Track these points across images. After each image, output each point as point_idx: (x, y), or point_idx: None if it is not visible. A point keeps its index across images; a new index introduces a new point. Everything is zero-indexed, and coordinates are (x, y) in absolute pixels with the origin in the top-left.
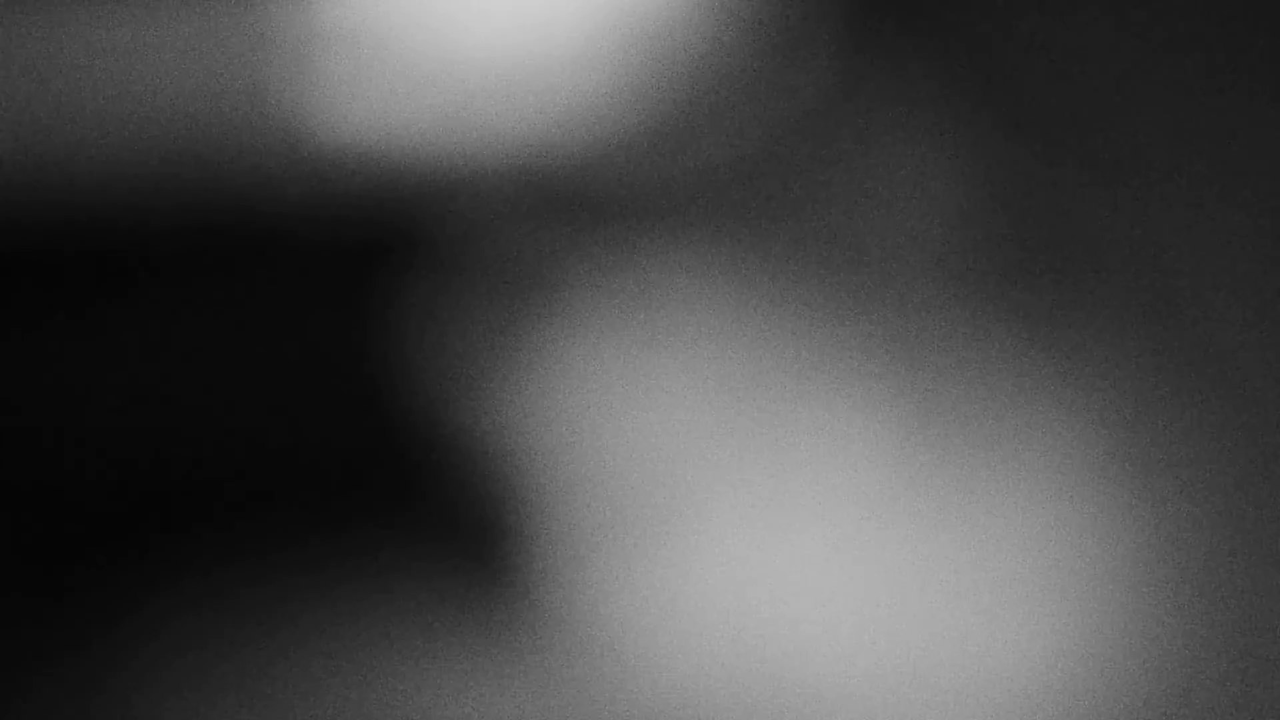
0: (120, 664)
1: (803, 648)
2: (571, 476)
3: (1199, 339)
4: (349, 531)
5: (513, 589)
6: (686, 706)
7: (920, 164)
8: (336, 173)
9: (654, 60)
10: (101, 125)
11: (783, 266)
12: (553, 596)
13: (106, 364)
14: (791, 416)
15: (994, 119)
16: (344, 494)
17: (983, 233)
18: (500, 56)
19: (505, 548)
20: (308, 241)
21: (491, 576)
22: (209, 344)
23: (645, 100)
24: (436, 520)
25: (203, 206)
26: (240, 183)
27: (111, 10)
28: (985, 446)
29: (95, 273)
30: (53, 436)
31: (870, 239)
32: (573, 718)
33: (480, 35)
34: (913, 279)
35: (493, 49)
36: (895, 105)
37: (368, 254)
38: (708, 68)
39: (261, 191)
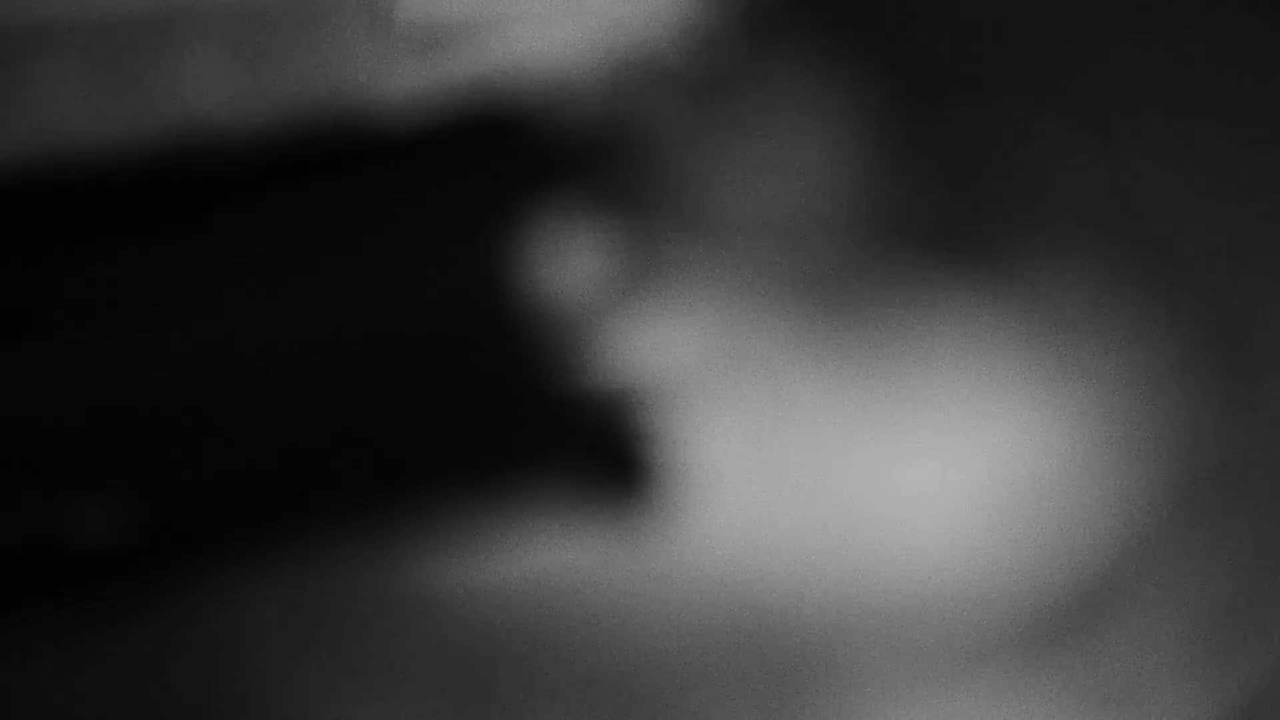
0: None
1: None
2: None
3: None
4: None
5: (644, 491)
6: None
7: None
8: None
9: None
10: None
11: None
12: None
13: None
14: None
15: (897, 76)
16: (468, 387)
17: (910, 180)
18: None
19: (635, 451)
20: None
21: (624, 476)
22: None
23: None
24: (570, 418)
25: (297, 100)
26: (333, 71)
27: None
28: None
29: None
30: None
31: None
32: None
33: None
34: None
35: None
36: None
37: (469, 143)
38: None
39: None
